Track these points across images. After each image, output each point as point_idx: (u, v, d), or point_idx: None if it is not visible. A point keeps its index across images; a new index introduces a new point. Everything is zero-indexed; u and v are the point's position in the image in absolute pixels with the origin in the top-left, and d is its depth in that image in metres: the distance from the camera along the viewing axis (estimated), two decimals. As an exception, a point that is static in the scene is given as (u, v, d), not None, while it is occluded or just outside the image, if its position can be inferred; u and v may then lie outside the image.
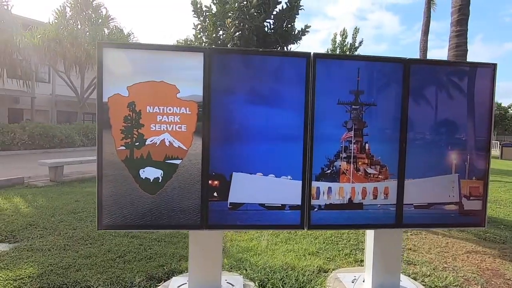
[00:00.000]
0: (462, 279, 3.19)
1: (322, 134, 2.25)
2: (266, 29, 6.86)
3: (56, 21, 8.90)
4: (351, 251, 3.73)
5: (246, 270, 2.97)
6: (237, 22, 6.01)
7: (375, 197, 2.33)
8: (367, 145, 2.31)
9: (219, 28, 6.54)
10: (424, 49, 12.00)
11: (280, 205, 2.25)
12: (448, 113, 2.39)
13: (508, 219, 5.52)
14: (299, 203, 2.25)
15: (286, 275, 2.93)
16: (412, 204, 2.38)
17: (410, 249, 3.93)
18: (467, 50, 6.01)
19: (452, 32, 6.09)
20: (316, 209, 2.28)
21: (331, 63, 2.25)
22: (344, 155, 2.29)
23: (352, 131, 2.29)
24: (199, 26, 7.08)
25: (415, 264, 3.48)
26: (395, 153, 2.33)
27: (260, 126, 2.21)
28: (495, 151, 23.85)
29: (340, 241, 4.03)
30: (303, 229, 2.26)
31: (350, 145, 2.29)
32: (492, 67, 2.40)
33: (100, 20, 9.34)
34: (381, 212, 2.35)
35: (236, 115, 2.19)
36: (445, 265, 3.50)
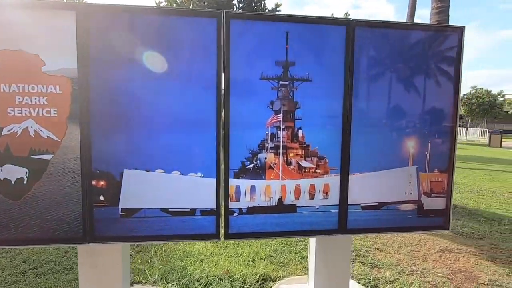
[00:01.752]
0: (430, 285, 2.79)
1: (241, 118, 1.76)
2: (234, 8, 6.28)
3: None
4: (310, 253, 3.30)
5: (173, 282, 2.51)
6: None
7: (312, 196, 1.86)
8: (300, 131, 1.82)
9: (180, 6, 5.94)
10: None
11: (188, 209, 1.76)
12: (404, 91, 1.90)
13: (489, 210, 5.16)
14: (214, 206, 1.77)
15: (221, 288, 2.48)
16: (359, 204, 1.92)
17: (378, 248, 3.51)
18: (448, 29, 5.53)
19: (433, 9, 5.58)
20: (236, 214, 1.80)
21: (251, 26, 1.73)
22: (270, 144, 1.80)
23: (281, 114, 1.79)
24: (161, 4, 6.48)
25: (380, 268, 3.06)
26: (337, 141, 1.85)
27: (159, 110, 1.70)
28: (483, 139, 23.78)
29: (300, 241, 3.60)
30: (219, 239, 1.79)
31: (278, 132, 1.80)
32: (459, 31, 1.91)
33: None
34: (320, 215, 1.88)
35: (125, 94, 1.67)
36: (413, 268, 3.09)
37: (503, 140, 20.28)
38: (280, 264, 3.02)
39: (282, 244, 3.51)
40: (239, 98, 1.74)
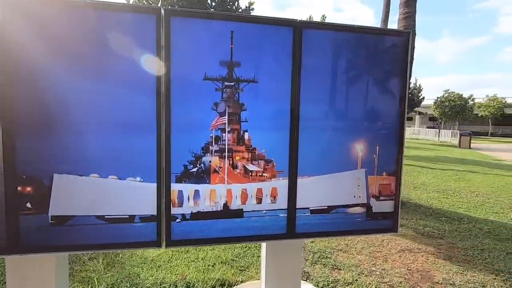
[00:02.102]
0: (387, 285, 2.83)
1: (183, 120, 1.68)
2: (207, 6, 6.18)
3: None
4: (273, 256, 3.26)
5: (123, 292, 2.40)
6: (167, -4, 5.28)
7: (259, 201, 1.82)
8: (246, 134, 1.77)
9: (151, 3, 5.76)
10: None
11: (127, 216, 1.66)
12: (352, 94, 1.90)
13: (451, 210, 5.36)
14: (154, 212, 1.69)
15: (173, 296, 2.39)
16: (307, 208, 1.89)
17: (341, 250, 3.54)
18: (415, 34, 5.69)
19: (401, 14, 5.74)
20: (178, 220, 1.73)
21: (193, 24, 1.66)
22: (215, 147, 1.74)
23: (226, 116, 1.73)
24: (131, 1, 6.27)
25: (340, 269, 3.08)
26: (285, 144, 1.82)
27: (94, 110, 1.59)
28: (455, 140, 24.86)
29: (264, 244, 3.55)
30: (160, 246, 1.70)
31: (224, 134, 1.74)
32: (407, 36, 1.93)
33: None
34: (268, 220, 1.84)
35: (55, 93, 1.55)
36: (373, 269, 3.13)
37: (472, 141, 21.33)
38: (241, 269, 2.97)
39: (245, 247, 3.46)
40: (181, 99, 1.67)
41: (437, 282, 2.92)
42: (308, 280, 2.85)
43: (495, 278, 2.99)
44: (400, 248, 3.66)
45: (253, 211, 1.81)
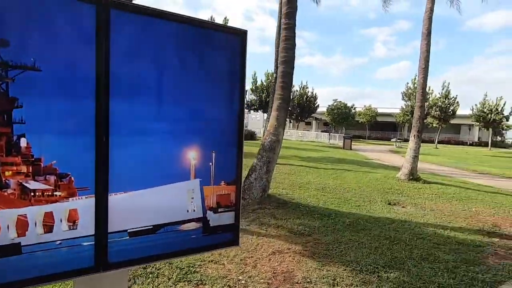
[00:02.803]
0: (248, 295, 2.74)
1: None
2: None
3: None
4: (129, 280, 2.79)
5: None
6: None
7: (49, 229, 1.36)
8: (23, 140, 1.30)
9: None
10: (277, 46, 12.66)
11: None
12: (181, 92, 1.65)
13: (325, 206, 5.93)
14: None
15: None
16: (125, 230, 1.54)
17: (212, 261, 3.33)
18: (295, 44, 6.13)
19: (283, 24, 6.10)
20: None
21: None
22: (-35, 160, 1.20)
23: (-16, 115, 1.22)
24: None
25: (205, 284, 2.85)
26: (88, 153, 1.42)
27: None
28: (341, 143, 28.91)
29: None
30: None
31: (-19, 140, 1.23)
32: (242, 34, 1.81)
33: None
34: (65, 252, 1.41)
35: None
36: (240, 278, 3.02)
37: (353, 143, 25.27)
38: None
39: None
40: None
41: (297, 282, 3.01)
42: (163, 305, 2.50)
43: (344, 270, 3.30)
44: (272, 250, 3.71)
45: (39, 243, 1.35)
